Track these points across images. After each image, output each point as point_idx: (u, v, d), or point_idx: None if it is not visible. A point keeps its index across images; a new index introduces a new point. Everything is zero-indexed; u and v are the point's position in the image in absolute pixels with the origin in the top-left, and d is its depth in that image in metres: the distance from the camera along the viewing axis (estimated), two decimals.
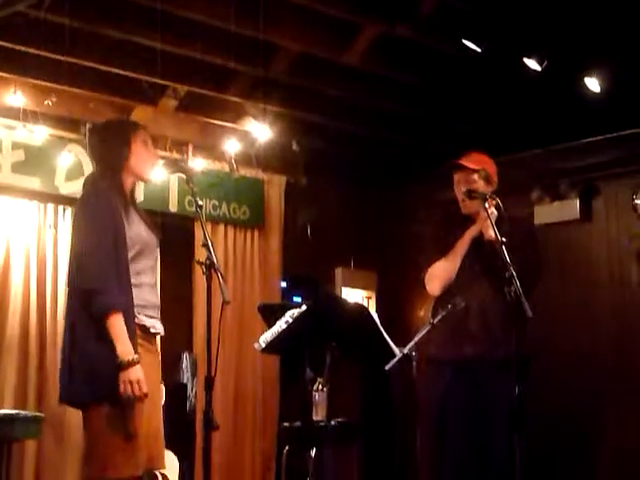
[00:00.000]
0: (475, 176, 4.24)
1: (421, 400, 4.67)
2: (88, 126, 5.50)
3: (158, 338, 3.62)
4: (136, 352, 3.30)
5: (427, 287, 4.37)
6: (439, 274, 4.28)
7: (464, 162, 4.28)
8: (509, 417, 3.81)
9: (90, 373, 3.29)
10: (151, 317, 3.48)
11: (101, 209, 3.39)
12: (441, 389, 4.27)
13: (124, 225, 3.40)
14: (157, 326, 3.52)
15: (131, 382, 3.24)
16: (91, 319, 3.28)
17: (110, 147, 3.54)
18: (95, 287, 3.27)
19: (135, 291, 3.39)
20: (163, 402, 3.76)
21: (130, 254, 3.40)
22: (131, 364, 3.25)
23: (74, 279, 3.39)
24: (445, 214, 4.60)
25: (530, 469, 3.69)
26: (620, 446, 5.77)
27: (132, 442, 3.29)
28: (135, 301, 3.38)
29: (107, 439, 3.28)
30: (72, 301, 3.42)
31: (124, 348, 3.26)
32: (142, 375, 3.27)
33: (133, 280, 3.39)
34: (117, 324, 3.26)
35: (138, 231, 3.47)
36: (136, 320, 3.37)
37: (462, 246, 4.21)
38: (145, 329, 3.44)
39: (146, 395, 3.29)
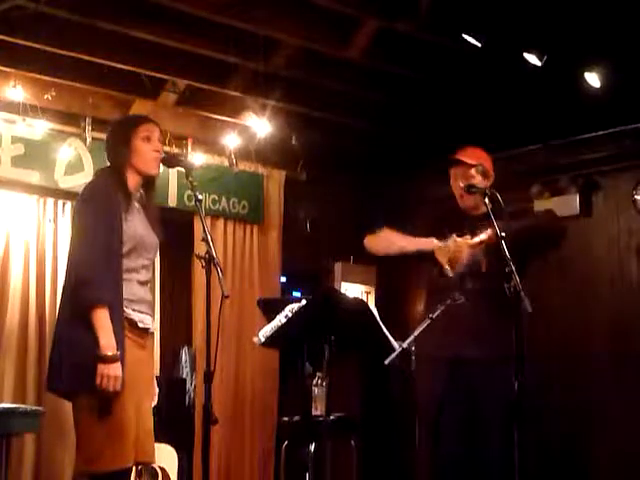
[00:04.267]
0: (472, 171, 4.25)
1: (420, 395, 4.67)
2: (88, 120, 5.57)
3: (156, 336, 3.62)
4: (123, 346, 3.32)
5: (369, 244, 4.39)
6: (386, 245, 4.30)
7: (461, 157, 4.29)
8: (506, 415, 3.82)
9: (76, 363, 3.30)
10: (140, 312, 3.48)
11: (99, 204, 3.42)
12: (437, 388, 4.27)
13: (122, 221, 3.42)
14: (146, 321, 3.52)
15: (108, 377, 3.25)
16: (79, 310, 3.31)
17: (112, 148, 3.60)
18: (85, 279, 3.31)
19: (124, 285, 3.40)
20: (156, 400, 3.75)
21: (123, 250, 3.42)
22: (111, 359, 3.26)
23: (69, 271, 3.43)
24: (443, 209, 4.59)
25: (527, 469, 3.69)
26: (620, 447, 5.75)
27: (120, 435, 3.29)
28: (123, 295, 3.39)
29: (94, 432, 3.30)
30: (66, 292, 3.45)
31: (107, 342, 3.27)
32: (120, 373, 3.27)
33: (124, 275, 3.41)
34: (102, 317, 3.28)
35: (135, 228, 3.48)
36: (123, 314, 3.38)
37: (425, 244, 4.20)
38: (133, 323, 3.44)
39: (116, 393, 3.28)
